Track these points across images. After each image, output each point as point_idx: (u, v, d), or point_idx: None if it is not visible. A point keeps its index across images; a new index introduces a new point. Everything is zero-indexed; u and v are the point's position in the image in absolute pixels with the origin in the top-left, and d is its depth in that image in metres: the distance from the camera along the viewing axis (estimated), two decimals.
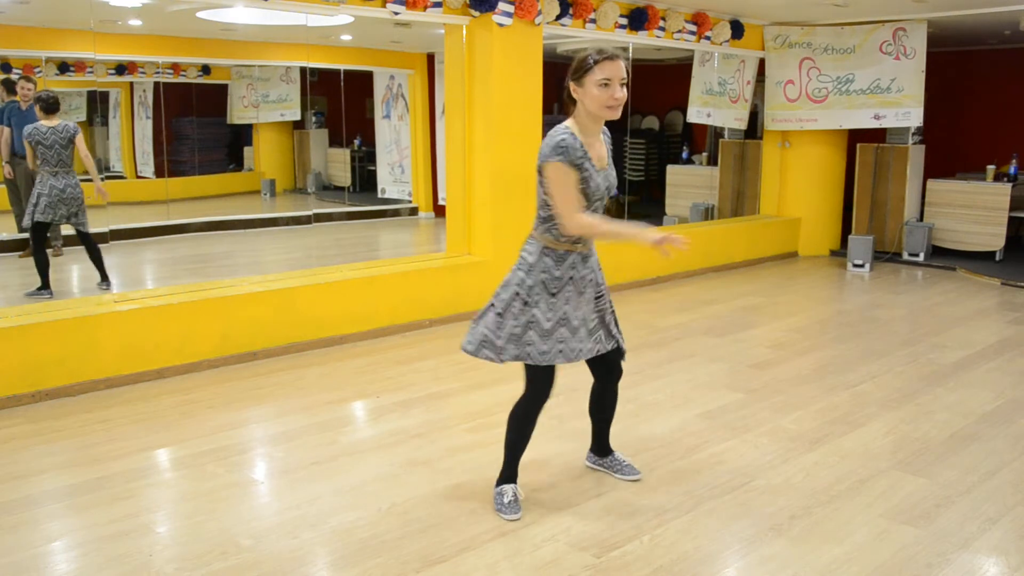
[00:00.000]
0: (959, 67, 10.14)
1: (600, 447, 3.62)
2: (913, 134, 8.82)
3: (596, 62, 2.92)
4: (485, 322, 3.10)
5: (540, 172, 2.98)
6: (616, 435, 4.02)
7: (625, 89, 2.97)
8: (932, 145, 9.38)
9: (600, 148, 3.05)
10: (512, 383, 4.86)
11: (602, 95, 2.91)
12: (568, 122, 2.99)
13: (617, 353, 3.32)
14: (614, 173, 3.12)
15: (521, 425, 3.22)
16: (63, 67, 9.68)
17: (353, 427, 4.29)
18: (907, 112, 8.35)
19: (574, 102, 2.99)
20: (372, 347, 5.63)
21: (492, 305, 3.10)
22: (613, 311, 3.28)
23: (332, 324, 5.65)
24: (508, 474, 3.29)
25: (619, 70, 2.93)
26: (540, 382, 3.14)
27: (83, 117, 11.16)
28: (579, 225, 2.92)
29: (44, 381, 4.50)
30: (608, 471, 3.59)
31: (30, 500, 3.35)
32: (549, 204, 2.99)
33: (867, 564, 2.88)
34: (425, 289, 6.17)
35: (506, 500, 3.24)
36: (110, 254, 7.98)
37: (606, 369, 3.37)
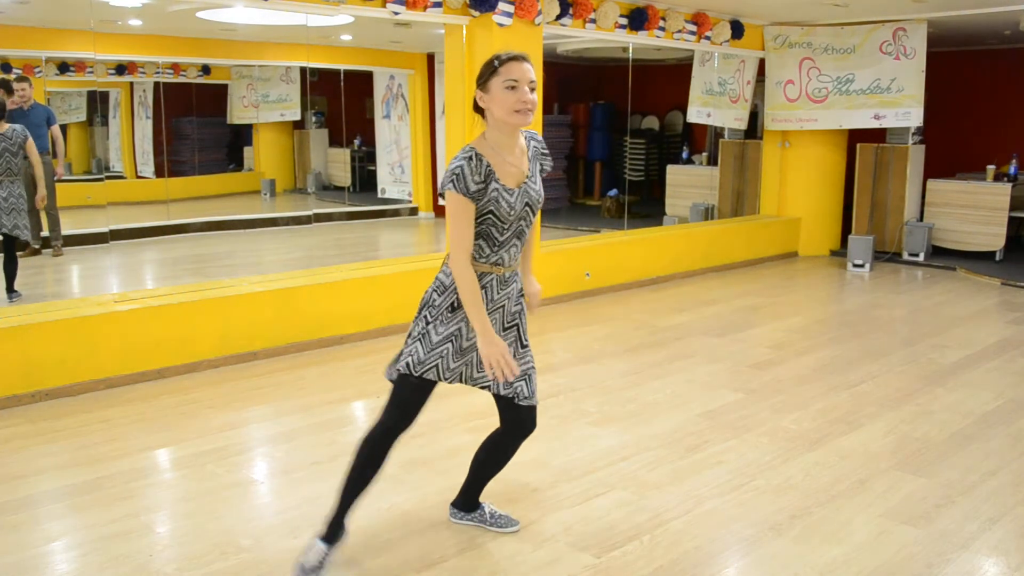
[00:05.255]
0: (959, 67, 10.14)
1: (467, 501, 3.16)
2: (913, 134, 8.82)
3: (501, 63, 2.68)
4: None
5: (442, 195, 2.72)
6: (616, 434, 4.02)
7: (534, 94, 2.70)
8: (932, 145, 9.38)
9: (519, 162, 2.74)
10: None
11: (509, 98, 2.64)
12: (475, 141, 2.71)
13: (529, 409, 2.93)
14: (538, 186, 2.81)
15: (369, 457, 2.80)
16: (63, 67, 9.68)
17: (353, 427, 4.28)
18: (907, 112, 8.36)
19: (482, 114, 2.73)
20: (372, 347, 5.63)
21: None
22: (527, 360, 2.92)
23: (332, 324, 5.65)
24: (334, 528, 2.83)
25: (526, 72, 2.68)
26: (404, 403, 2.81)
27: (83, 117, 11.16)
28: (463, 270, 2.66)
29: (44, 381, 4.50)
30: (481, 525, 3.14)
31: (30, 500, 3.35)
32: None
33: (867, 564, 2.89)
34: (424, 289, 6.15)
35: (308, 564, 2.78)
36: (110, 254, 7.98)
37: (515, 420, 2.94)
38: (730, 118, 9.42)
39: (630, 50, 8.83)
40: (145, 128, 11.27)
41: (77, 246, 8.70)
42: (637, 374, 5.05)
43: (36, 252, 8.41)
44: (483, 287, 2.76)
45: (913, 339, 5.96)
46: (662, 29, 7.56)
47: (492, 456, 3.04)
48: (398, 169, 11.76)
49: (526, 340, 2.92)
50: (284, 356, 5.39)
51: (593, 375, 5.03)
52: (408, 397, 2.81)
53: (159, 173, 11.26)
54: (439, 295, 2.79)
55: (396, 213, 11.60)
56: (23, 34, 8.43)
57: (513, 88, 2.65)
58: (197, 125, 11.11)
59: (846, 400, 4.62)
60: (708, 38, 8.08)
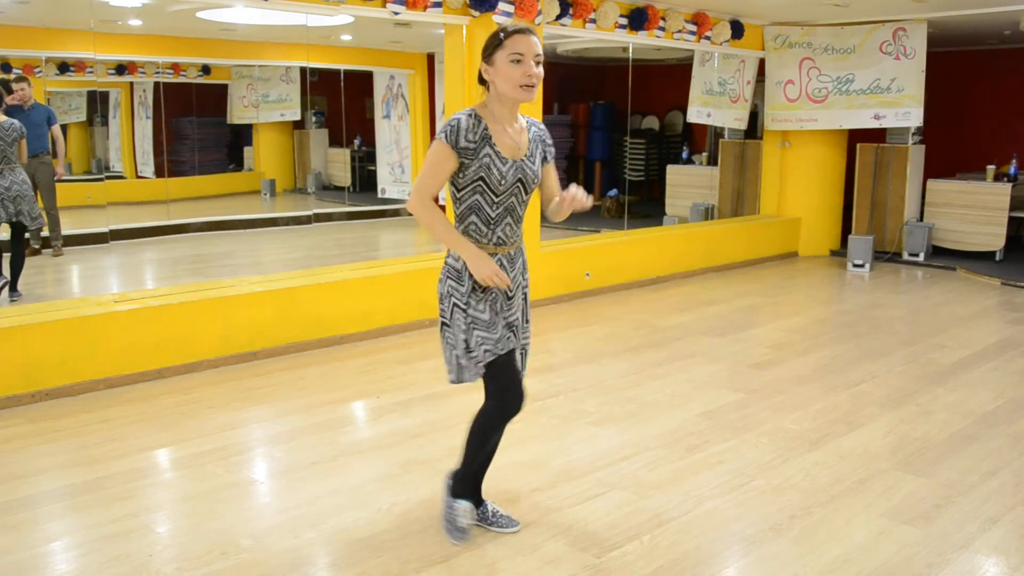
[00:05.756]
0: (959, 67, 10.14)
1: (471, 495, 3.12)
2: (913, 134, 8.82)
3: (507, 36, 2.65)
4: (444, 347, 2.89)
5: None
6: (617, 434, 4.02)
7: (540, 68, 2.69)
8: (932, 145, 9.38)
9: (517, 136, 2.76)
10: None
11: (514, 72, 2.64)
12: (477, 105, 2.75)
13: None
14: (536, 167, 2.81)
15: (483, 436, 2.92)
16: (63, 67, 9.68)
17: (353, 427, 4.29)
18: (907, 112, 8.36)
19: (486, 86, 2.73)
20: (372, 347, 5.63)
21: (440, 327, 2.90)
22: (527, 337, 2.98)
23: (332, 324, 5.65)
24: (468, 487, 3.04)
25: (532, 45, 2.65)
26: (505, 384, 2.84)
27: (83, 117, 11.16)
28: (419, 208, 2.70)
29: (44, 381, 4.50)
30: (480, 524, 3.11)
31: (30, 500, 3.35)
32: (457, 199, 2.77)
33: (867, 564, 2.88)
34: (425, 289, 6.16)
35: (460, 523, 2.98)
36: (110, 254, 7.98)
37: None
38: (730, 118, 9.42)
39: (630, 50, 8.83)
40: (145, 128, 11.27)
41: (77, 246, 8.69)
42: (637, 374, 5.05)
43: (36, 252, 8.40)
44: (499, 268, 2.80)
45: (913, 339, 5.96)
46: (662, 29, 7.56)
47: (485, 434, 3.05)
48: (398, 169, 11.76)
49: (528, 316, 2.99)
50: (284, 356, 5.39)
51: (593, 375, 5.03)
52: (505, 378, 2.84)
53: (159, 173, 11.25)
54: (456, 282, 2.81)
55: (396, 213, 11.60)
56: (23, 34, 8.43)
57: (518, 62, 2.64)
58: (197, 125, 11.11)
59: (846, 400, 4.62)
60: (708, 38, 8.08)
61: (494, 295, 2.81)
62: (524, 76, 2.64)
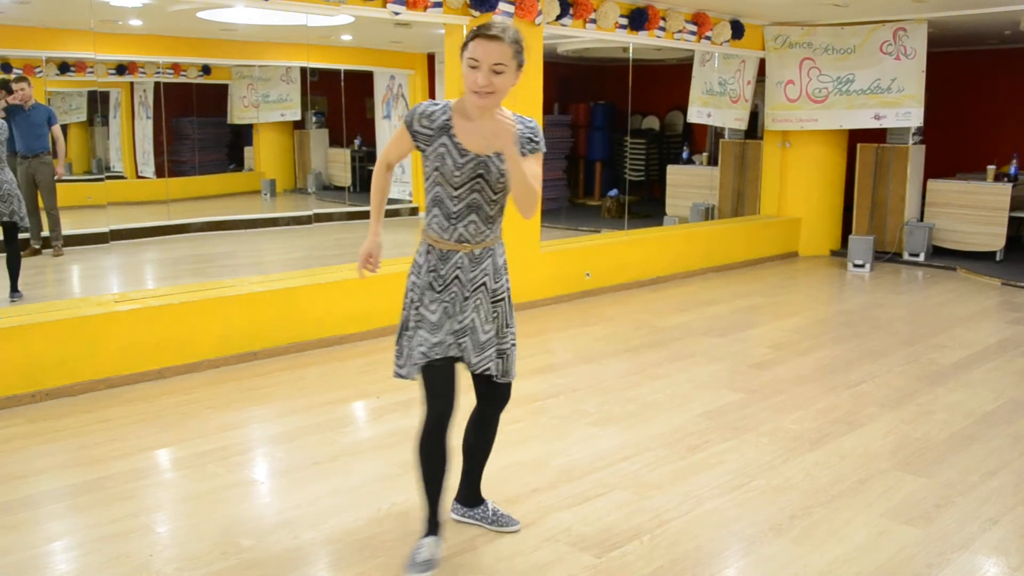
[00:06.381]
0: (959, 67, 10.14)
1: (469, 494, 3.11)
2: (913, 134, 8.81)
3: (471, 38, 2.54)
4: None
5: None
6: (617, 434, 4.02)
7: (501, 78, 2.54)
8: (932, 145, 9.37)
9: (486, 131, 2.62)
10: (516, 382, 4.86)
11: (468, 77, 2.55)
12: (459, 98, 2.69)
13: (503, 385, 2.90)
14: (501, 165, 2.66)
15: (429, 455, 2.74)
16: (63, 67, 9.67)
17: (353, 427, 4.29)
18: (907, 112, 8.35)
19: None
20: (372, 347, 5.63)
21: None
22: (507, 340, 2.82)
23: (332, 324, 5.65)
24: (430, 524, 2.83)
25: (491, 53, 2.51)
26: (437, 390, 2.71)
27: (84, 117, 11.15)
28: (374, 172, 2.86)
29: (44, 381, 4.50)
30: (480, 524, 3.10)
31: (30, 500, 3.35)
32: (426, 189, 2.74)
33: (867, 564, 2.89)
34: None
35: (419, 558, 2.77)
36: (110, 254, 7.98)
37: (489, 394, 2.92)
38: (730, 118, 9.42)
39: (630, 50, 8.83)
40: (145, 128, 11.26)
41: (78, 246, 8.69)
42: (637, 374, 5.05)
43: (36, 252, 8.41)
44: (456, 266, 2.72)
45: (913, 339, 5.96)
46: (662, 29, 7.56)
47: (479, 435, 3.02)
48: (398, 169, 11.76)
49: (511, 320, 2.85)
50: (284, 356, 5.39)
51: (593, 375, 5.03)
52: (436, 385, 2.73)
53: (159, 173, 11.25)
54: (415, 276, 2.79)
55: (396, 213, 11.60)
56: (23, 34, 8.43)
57: (474, 68, 2.54)
58: (197, 125, 11.12)
59: (846, 400, 4.62)
60: (708, 38, 8.08)
61: (453, 294, 2.73)
62: (474, 83, 2.54)
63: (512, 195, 2.66)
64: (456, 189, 2.67)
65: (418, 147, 2.69)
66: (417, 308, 2.74)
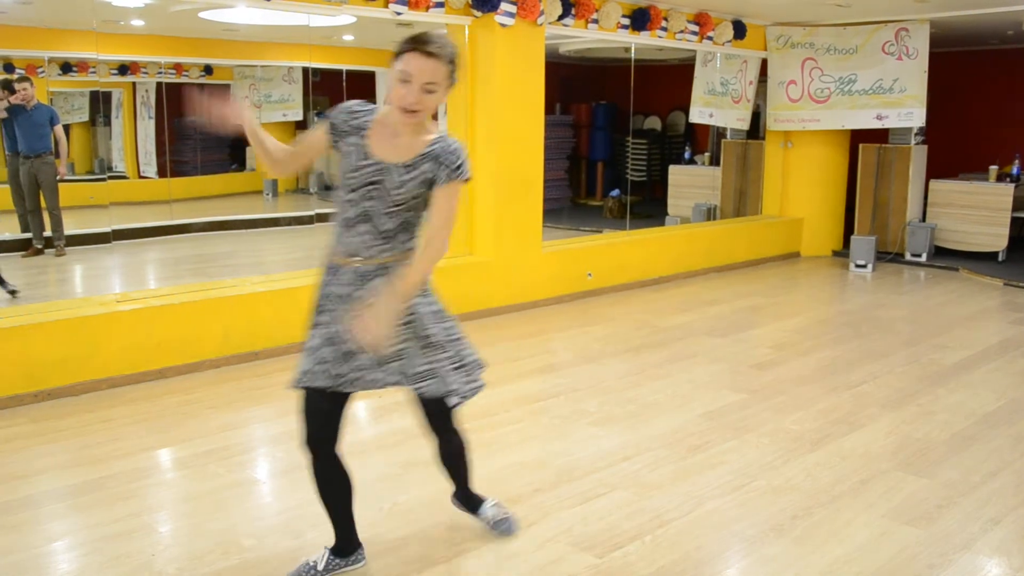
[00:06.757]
0: (962, 67, 10.13)
1: (464, 501, 3.06)
2: (916, 134, 8.81)
3: (404, 50, 2.35)
4: None
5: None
6: (618, 434, 4.02)
7: (431, 97, 2.37)
8: (935, 145, 9.37)
9: (403, 144, 2.45)
10: (517, 382, 4.87)
11: (396, 91, 2.36)
12: (387, 107, 2.48)
13: (433, 403, 2.69)
14: (401, 179, 2.45)
15: (316, 478, 2.67)
16: (66, 67, 9.69)
17: (355, 427, 4.29)
18: (910, 112, 8.34)
19: None
20: None
21: None
22: (433, 360, 2.60)
23: None
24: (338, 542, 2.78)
25: (425, 70, 2.32)
26: (302, 418, 2.60)
27: (86, 117, 11.16)
28: (274, 161, 2.58)
29: (46, 381, 4.51)
30: (481, 522, 3.07)
31: (32, 500, 3.36)
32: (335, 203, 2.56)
33: (868, 565, 2.88)
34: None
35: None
36: (112, 254, 8.00)
37: (425, 412, 2.75)
38: (732, 118, 9.41)
39: (632, 50, 8.83)
40: (148, 128, 11.28)
41: (80, 246, 8.70)
42: (638, 374, 5.04)
43: (39, 252, 8.42)
44: (344, 283, 2.51)
45: (915, 340, 5.95)
46: (664, 29, 7.56)
47: (443, 457, 2.90)
48: None
49: (434, 337, 2.60)
50: (286, 356, 5.39)
51: (594, 375, 5.03)
52: (305, 412, 2.60)
53: (162, 173, 11.25)
54: (321, 288, 2.58)
55: None
56: (26, 34, 8.44)
57: (405, 82, 2.35)
58: (199, 125, 11.12)
59: (848, 400, 4.61)
60: (710, 38, 8.08)
61: (337, 316, 2.50)
62: (401, 98, 2.35)
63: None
64: (350, 192, 2.49)
65: (333, 142, 2.52)
66: (310, 328, 2.59)
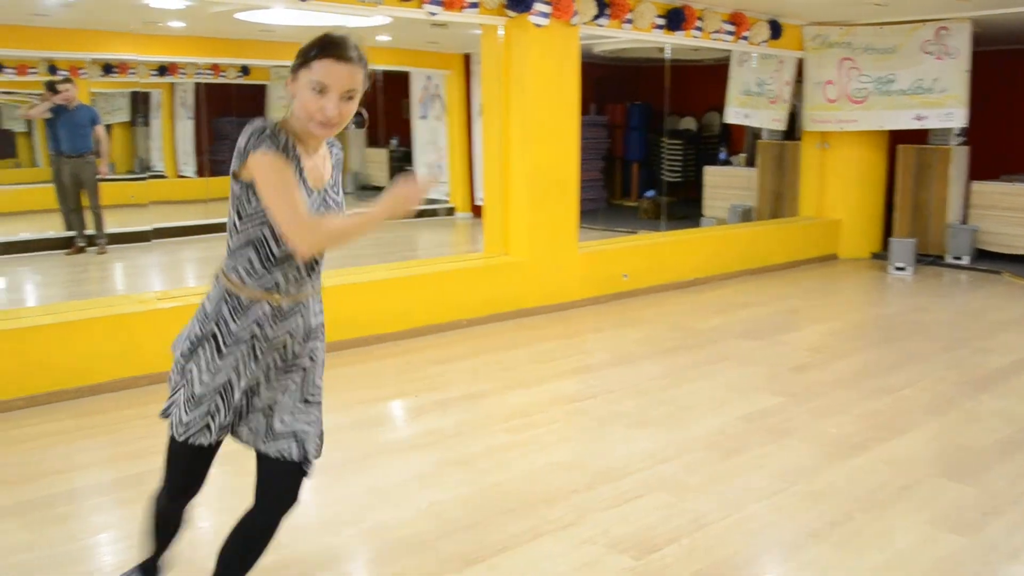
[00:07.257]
0: (1005, 66, 9.94)
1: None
2: (956, 135, 8.66)
3: (316, 56, 2.03)
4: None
5: (236, 176, 2.07)
6: (655, 436, 4.00)
7: (350, 105, 2.10)
8: (976, 146, 9.20)
9: (320, 165, 2.17)
10: (553, 383, 4.86)
11: (311, 102, 2.03)
12: (280, 120, 2.11)
13: (292, 474, 2.23)
14: (340, 197, 2.24)
15: (153, 515, 2.48)
16: (107, 68, 9.85)
17: (391, 426, 4.31)
18: (950, 113, 8.20)
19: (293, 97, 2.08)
20: (409, 346, 5.65)
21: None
22: (304, 420, 2.26)
23: (369, 323, 5.68)
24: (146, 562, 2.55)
25: (344, 78, 2.05)
26: (173, 467, 2.36)
27: (126, 117, 11.33)
28: (313, 231, 2.00)
29: (87, 377, 4.58)
30: None
31: (75, 493, 3.41)
32: (239, 229, 2.15)
33: (910, 572, 2.84)
34: (462, 289, 6.18)
35: None
36: (152, 252, 8.11)
37: (260, 480, 2.29)
38: (768, 119, 9.33)
39: (667, 50, 8.78)
40: (186, 128, 11.43)
41: (121, 244, 8.84)
42: (674, 376, 5.01)
43: (81, 250, 8.57)
44: (255, 322, 2.17)
45: (957, 344, 5.85)
46: (699, 29, 7.51)
47: (238, 537, 2.37)
48: (437, 169, 11.80)
49: (312, 394, 2.31)
50: None
51: (630, 377, 5.01)
52: (176, 455, 2.37)
53: (200, 172, 11.40)
54: (200, 324, 2.26)
55: (434, 213, 11.64)
56: (68, 36, 8.60)
57: (320, 92, 2.03)
58: (237, 125, 11.20)
59: (888, 405, 4.55)
60: (746, 38, 8.01)
61: (240, 357, 2.22)
62: (319, 111, 2.03)
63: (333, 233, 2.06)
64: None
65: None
66: (191, 374, 2.30)
